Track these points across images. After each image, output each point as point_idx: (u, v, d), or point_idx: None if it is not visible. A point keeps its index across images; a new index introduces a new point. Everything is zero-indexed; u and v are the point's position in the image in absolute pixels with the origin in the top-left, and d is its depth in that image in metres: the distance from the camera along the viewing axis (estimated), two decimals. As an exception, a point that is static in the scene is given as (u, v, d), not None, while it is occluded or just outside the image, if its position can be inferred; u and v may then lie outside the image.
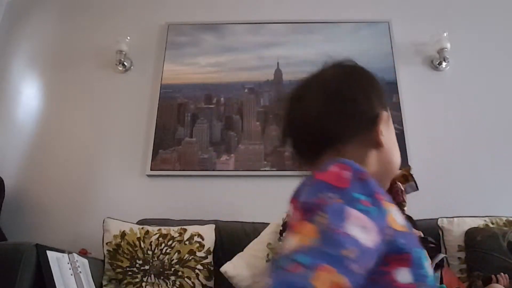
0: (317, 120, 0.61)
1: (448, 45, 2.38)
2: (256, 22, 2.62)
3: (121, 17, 2.70)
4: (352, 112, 0.61)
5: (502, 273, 1.52)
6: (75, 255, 1.52)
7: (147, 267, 1.72)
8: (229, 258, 1.70)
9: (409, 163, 2.19)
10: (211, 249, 1.82)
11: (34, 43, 2.69)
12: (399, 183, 0.87)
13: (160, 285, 1.69)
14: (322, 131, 0.61)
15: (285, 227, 1.52)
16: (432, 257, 1.32)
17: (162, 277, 1.71)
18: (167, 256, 1.74)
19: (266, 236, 1.74)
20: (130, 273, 1.71)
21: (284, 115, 0.67)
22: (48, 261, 1.36)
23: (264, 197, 2.16)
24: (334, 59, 0.70)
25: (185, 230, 1.83)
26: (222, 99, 2.46)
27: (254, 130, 2.37)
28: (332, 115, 0.61)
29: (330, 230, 0.42)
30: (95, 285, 1.58)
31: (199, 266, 1.75)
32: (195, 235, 1.81)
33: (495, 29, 2.56)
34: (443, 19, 2.57)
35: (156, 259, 1.74)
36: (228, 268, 1.64)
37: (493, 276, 1.53)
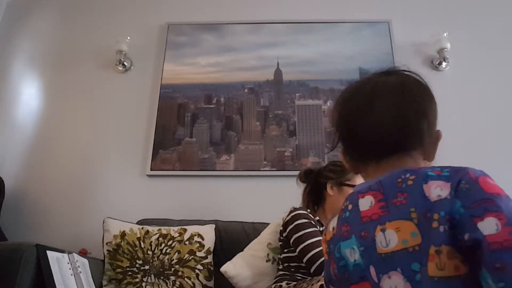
0: (403, 125, 0.64)
1: (448, 45, 2.38)
2: (256, 22, 2.62)
3: (121, 17, 2.70)
4: (431, 125, 0.66)
5: None
6: (75, 255, 1.52)
7: (147, 267, 1.72)
8: (229, 258, 1.70)
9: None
10: (211, 249, 1.82)
11: (34, 43, 2.69)
12: None
13: (160, 285, 1.69)
14: (404, 135, 0.64)
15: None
16: None
17: (162, 277, 1.71)
18: (167, 256, 1.74)
19: (266, 236, 1.74)
20: (130, 273, 1.71)
21: (351, 111, 0.69)
22: (48, 261, 1.36)
23: (264, 197, 2.16)
24: (393, 66, 0.74)
25: (185, 230, 1.82)
26: (222, 99, 2.46)
27: (254, 130, 2.37)
28: (414, 123, 0.64)
29: None
30: (95, 285, 1.58)
31: (199, 266, 1.75)
32: (195, 235, 1.81)
33: (495, 29, 2.56)
34: (443, 19, 2.58)
35: (156, 259, 1.74)
36: (228, 268, 1.64)
37: None
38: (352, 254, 0.59)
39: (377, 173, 0.64)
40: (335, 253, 0.64)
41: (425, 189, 0.54)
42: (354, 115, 0.68)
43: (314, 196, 1.61)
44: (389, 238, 0.54)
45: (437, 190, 0.52)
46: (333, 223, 0.68)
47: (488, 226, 0.47)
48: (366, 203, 0.60)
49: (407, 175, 0.57)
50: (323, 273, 1.28)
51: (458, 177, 0.53)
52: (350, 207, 0.64)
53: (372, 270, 0.56)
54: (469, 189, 0.51)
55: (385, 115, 0.64)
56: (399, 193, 0.56)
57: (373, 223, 0.57)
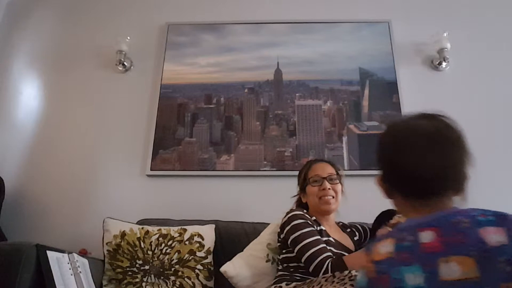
0: (459, 168, 0.77)
1: (448, 45, 2.38)
2: (256, 22, 2.63)
3: (121, 17, 2.71)
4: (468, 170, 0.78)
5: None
6: (75, 255, 1.52)
7: (147, 267, 1.72)
8: (229, 258, 1.70)
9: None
10: (211, 249, 1.82)
11: (34, 43, 2.69)
12: None
13: (160, 285, 1.70)
14: (458, 177, 0.77)
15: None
16: None
17: (162, 277, 1.71)
18: (167, 256, 1.75)
19: (266, 236, 1.74)
20: (130, 273, 1.71)
21: (407, 152, 0.78)
22: (48, 261, 1.36)
23: (264, 197, 2.16)
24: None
25: (185, 230, 1.83)
26: (222, 99, 2.46)
27: (254, 130, 2.37)
28: (461, 171, 0.77)
29: None
30: (95, 285, 1.58)
31: (199, 266, 1.75)
32: (195, 235, 1.81)
33: (495, 29, 2.56)
34: (443, 19, 2.58)
35: (156, 259, 1.74)
36: (228, 268, 1.64)
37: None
38: (414, 278, 0.69)
39: (422, 210, 0.75)
40: (391, 274, 0.72)
41: (481, 233, 0.65)
42: (410, 156, 0.77)
43: (302, 206, 1.66)
44: (452, 269, 0.65)
45: (496, 237, 0.65)
46: (387, 247, 0.76)
47: None
48: (427, 236, 0.70)
49: (461, 218, 0.69)
50: (320, 274, 1.28)
51: (507, 225, 0.66)
52: (409, 238, 0.73)
53: None
54: None
55: (438, 162, 0.75)
56: (456, 232, 0.68)
57: (435, 254, 0.68)
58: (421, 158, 0.76)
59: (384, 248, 0.77)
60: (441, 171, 0.75)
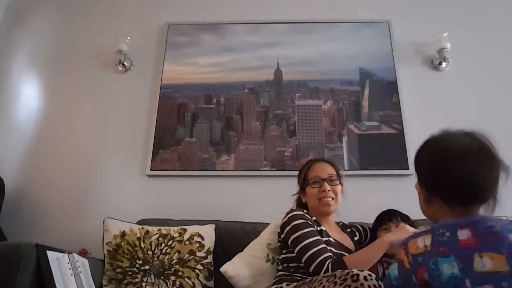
0: (497, 180, 0.89)
1: (448, 45, 2.39)
2: (256, 22, 2.63)
3: (121, 17, 2.71)
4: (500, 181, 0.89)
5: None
6: (75, 255, 1.52)
7: (147, 267, 1.72)
8: (229, 258, 1.70)
9: (409, 164, 2.19)
10: (211, 249, 1.82)
11: (34, 43, 2.69)
12: None
13: (160, 285, 1.70)
14: (496, 188, 0.88)
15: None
16: None
17: (162, 277, 1.71)
18: (167, 256, 1.74)
19: (266, 236, 1.74)
20: (130, 273, 1.71)
21: (462, 165, 0.88)
22: (48, 261, 1.36)
23: (264, 197, 2.16)
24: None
25: (185, 230, 1.83)
26: (222, 99, 2.46)
27: (254, 130, 2.37)
28: (496, 184, 0.88)
29: None
30: (95, 285, 1.58)
31: (199, 266, 1.75)
32: (195, 235, 1.81)
33: (495, 29, 2.56)
34: (443, 19, 2.58)
35: (156, 259, 1.74)
36: (228, 268, 1.64)
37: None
38: (450, 268, 0.80)
39: (460, 216, 0.86)
40: (428, 265, 0.83)
41: (510, 238, 0.79)
42: (462, 170, 0.87)
43: (302, 205, 1.66)
44: (485, 263, 0.77)
45: None
46: (423, 241, 0.86)
47: None
48: (464, 234, 0.82)
49: (493, 223, 0.81)
50: (321, 274, 1.28)
51: None
52: (447, 234, 0.83)
53: (467, 282, 0.78)
54: None
55: (485, 175, 0.87)
56: (490, 234, 0.80)
57: (471, 250, 0.79)
58: (472, 171, 0.87)
59: (422, 242, 0.87)
60: (486, 183, 0.87)
